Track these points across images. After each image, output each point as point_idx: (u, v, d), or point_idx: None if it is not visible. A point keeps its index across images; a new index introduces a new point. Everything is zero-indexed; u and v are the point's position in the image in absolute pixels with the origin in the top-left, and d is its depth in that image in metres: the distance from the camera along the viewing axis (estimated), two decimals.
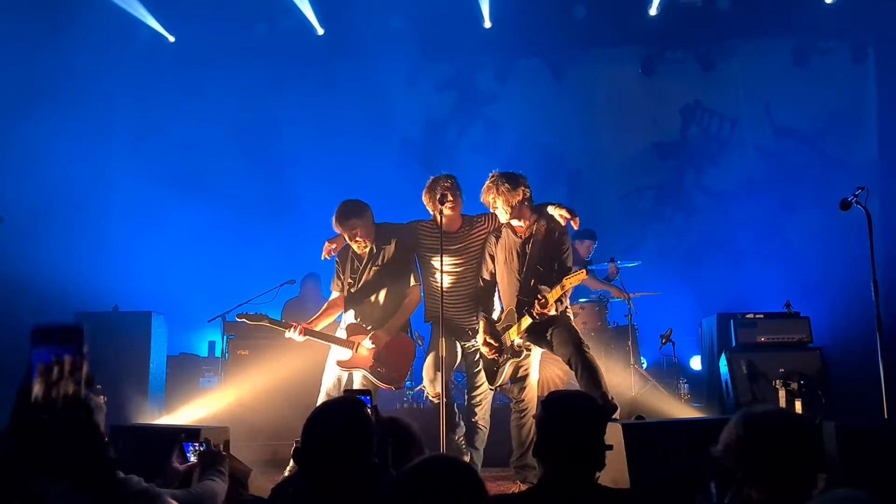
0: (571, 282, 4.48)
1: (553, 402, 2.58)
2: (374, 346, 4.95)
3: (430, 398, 5.09)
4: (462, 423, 5.04)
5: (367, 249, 5.13)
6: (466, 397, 5.10)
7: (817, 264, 8.01)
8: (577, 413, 2.49)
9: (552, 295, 4.48)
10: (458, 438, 4.98)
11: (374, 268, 5.12)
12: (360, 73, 9.04)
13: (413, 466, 1.89)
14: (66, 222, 7.64)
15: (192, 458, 3.01)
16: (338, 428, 2.32)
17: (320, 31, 8.57)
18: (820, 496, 1.87)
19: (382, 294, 5.12)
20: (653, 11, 8.30)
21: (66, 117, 7.62)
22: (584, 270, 4.52)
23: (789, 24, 8.43)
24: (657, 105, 9.07)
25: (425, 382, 5.06)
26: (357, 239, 5.05)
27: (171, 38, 8.59)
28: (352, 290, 5.18)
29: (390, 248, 5.12)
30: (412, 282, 5.14)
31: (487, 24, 8.45)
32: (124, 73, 8.73)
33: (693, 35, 8.81)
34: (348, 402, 2.49)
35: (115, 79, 8.72)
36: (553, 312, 4.52)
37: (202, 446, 3.04)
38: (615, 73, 9.11)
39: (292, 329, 4.97)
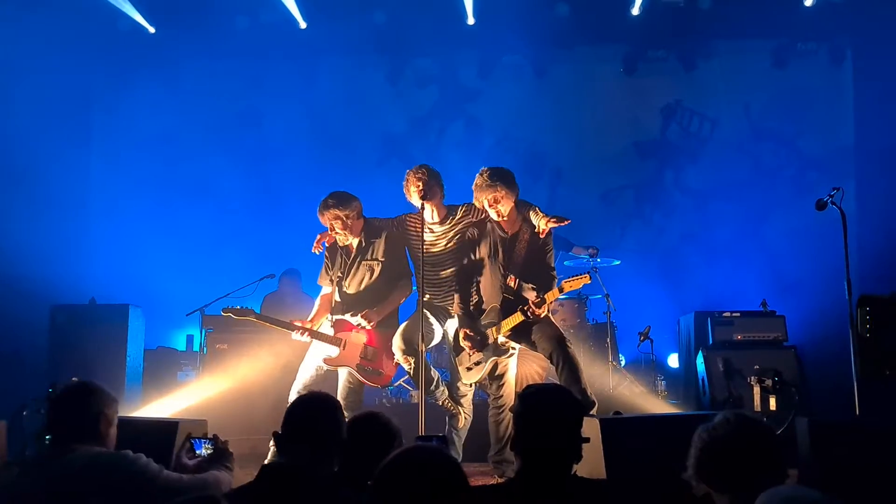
0: (571, 285, 4.48)
1: (530, 395, 2.60)
2: (366, 322, 4.88)
3: (402, 364, 4.92)
4: (442, 385, 5.04)
5: (354, 243, 5.09)
6: (450, 388, 5.11)
7: (794, 264, 8.09)
8: (553, 406, 2.51)
9: (551, 295, 4.51)
10: (444, 402, 4.99)
11: (362, 262, 5.08)
12: (342, 68, 9.00)
13: (394, 456, 1.87)
14: (42, 214, 7.53)
15: (204, 454, 3.23)
16: (320, 408, 2.62)
17: (303, 25, 8.50)
18: (763, 494, 1.89)
19: (371, 289, 5.08)
20: (635, 11, 8.32)
21: (42, 108, 7.51)
22: (586, 276, 4.49)
23: (769, 26, 8.49)
24: (638, 104, 9.09)
25: (394, 349, 4.89)
26: (338, 231, 5.01)
27: (152, 30, 8.49)
28: (340, 285, 5.14)
29: (380, 243, 5.09)
30: (403, 277, 5.12)
31: (471, 21, 8.43)
32: (103, 64, 8.61)
33: (675, 35, 8.83)
34: (327, 395, 2.83)
35: (94, 69, 8.61)
36: (543, 313, 4.55)
37: (210, 443, 3.26)
38: (597, 71, 9.13)
39: (299, 332, 4.90)
